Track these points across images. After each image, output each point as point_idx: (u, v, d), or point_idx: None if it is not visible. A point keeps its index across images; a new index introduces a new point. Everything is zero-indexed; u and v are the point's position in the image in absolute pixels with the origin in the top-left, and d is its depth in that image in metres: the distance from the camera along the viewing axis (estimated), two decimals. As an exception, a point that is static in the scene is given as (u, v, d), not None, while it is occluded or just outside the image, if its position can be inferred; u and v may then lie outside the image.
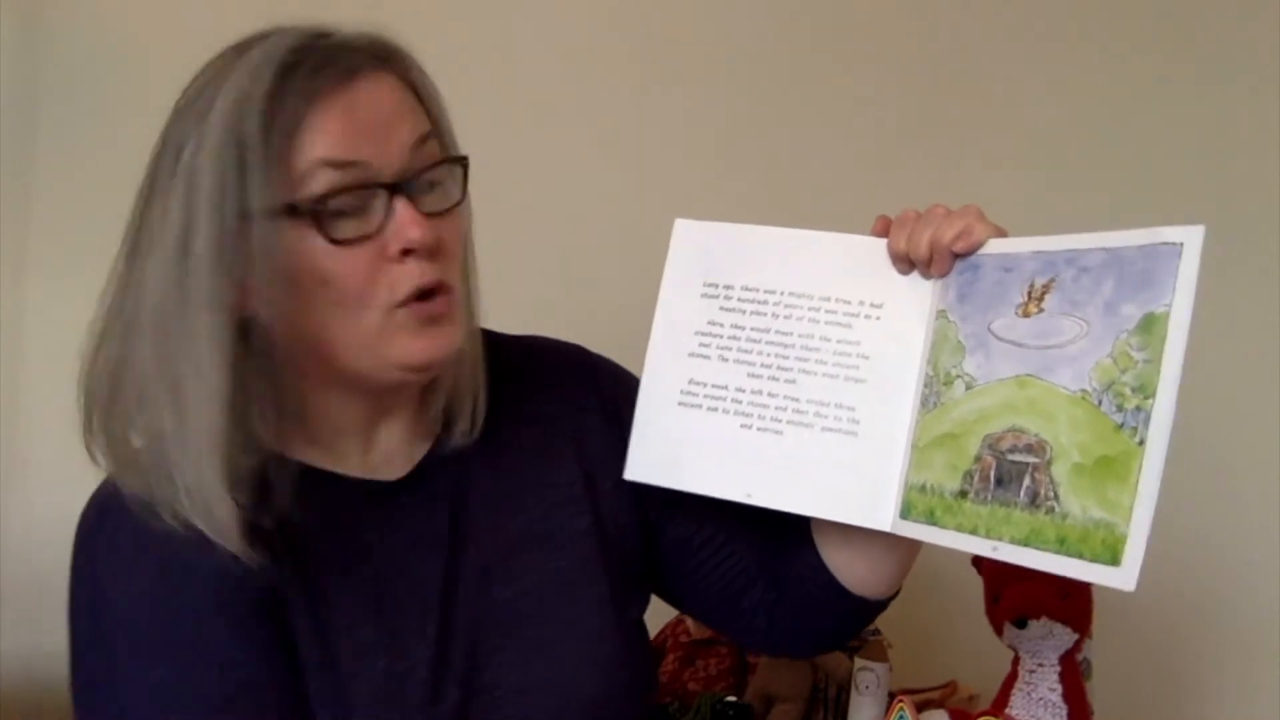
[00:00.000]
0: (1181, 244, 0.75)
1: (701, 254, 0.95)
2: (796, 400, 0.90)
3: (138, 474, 0.82)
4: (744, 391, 0.92)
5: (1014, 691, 1.26)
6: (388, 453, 0.92)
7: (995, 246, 0.86)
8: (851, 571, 0.96)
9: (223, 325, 0.80)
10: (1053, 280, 0.82)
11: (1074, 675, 1.25)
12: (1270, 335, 1.66)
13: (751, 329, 0.92)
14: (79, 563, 0.85)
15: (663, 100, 1.65)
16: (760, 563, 1.00)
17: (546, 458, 0.97)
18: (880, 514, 0.88)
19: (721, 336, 0.93)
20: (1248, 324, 1.66)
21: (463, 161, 0.87)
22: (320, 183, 0.81)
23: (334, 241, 0.81)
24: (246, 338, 0.82)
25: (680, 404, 0.94)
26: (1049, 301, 0.81)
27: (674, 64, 1.66)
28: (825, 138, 1.69)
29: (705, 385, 0.93)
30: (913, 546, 0.94)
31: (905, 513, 0.86)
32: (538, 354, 1.02)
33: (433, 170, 0.85)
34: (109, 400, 0.83)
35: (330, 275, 0.82)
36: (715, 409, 0.93)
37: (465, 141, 0.90)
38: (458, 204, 0.87)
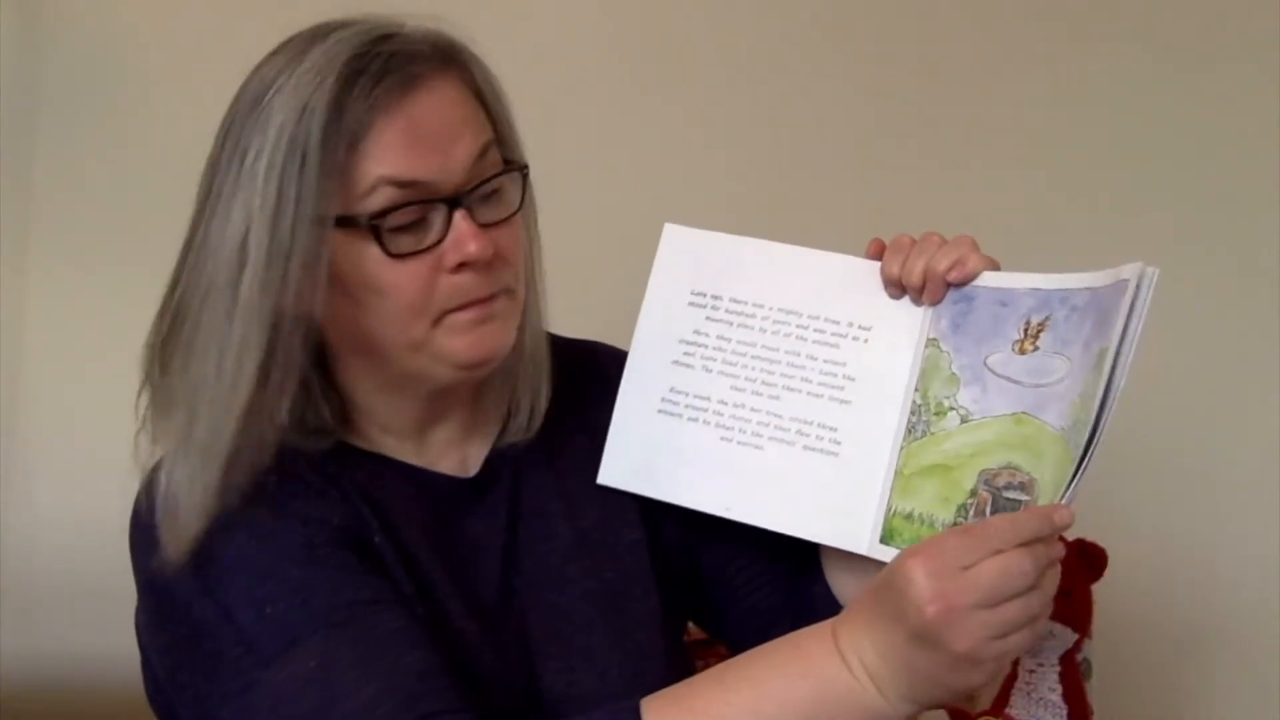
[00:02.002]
0: (1128, 280, 0.76)
1: (690, 262, 0.94)
2: (779, 416, 0.90)
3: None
4: (726, 404, 0.91)
5: (1014, 691, 1.26)
6: (442, 449, 0.92)
7: (989, 279, 0.85)
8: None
9: (259, 340, 0.79)
10: (1048, 319, 0.82)
11: (1074, 675, 1.26)
12: (1271, 337, 1.66)
13: (738, 342, 0.92)
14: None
15: (658, 102, 1.65)
16: (787, 599, 0.99)
17: None
18: (857, 536, 0.87)
19: (706, 347, 0.93)
20: (1247, 326, 1.66)
21: (523, 170, 0.87)
22: (381, 199, 0.80)
23: (392, 255, 0.81)
24: (303, 337, 0.82)
25: (660, 411, 0.93)
26: (1043, 340, 0.82)
27: (670, 66, 1.65)
28: (823, 142, 1.68)
29: (687, 395, 0.92)
30: None
31: (887, 538, 0.86)
32: (597, 359, 1.01)
33: (492, 179, 0.84)
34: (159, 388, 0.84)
35: (386, 287, 0.82)
36: (696, 419, 0.92)
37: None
38: (517, 211, 0.86)
